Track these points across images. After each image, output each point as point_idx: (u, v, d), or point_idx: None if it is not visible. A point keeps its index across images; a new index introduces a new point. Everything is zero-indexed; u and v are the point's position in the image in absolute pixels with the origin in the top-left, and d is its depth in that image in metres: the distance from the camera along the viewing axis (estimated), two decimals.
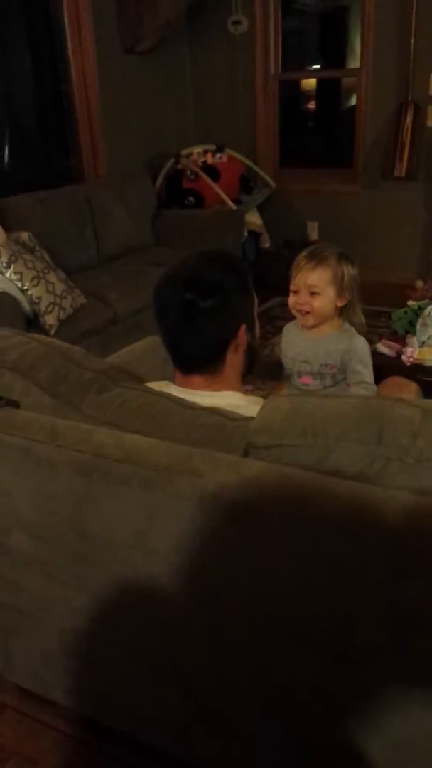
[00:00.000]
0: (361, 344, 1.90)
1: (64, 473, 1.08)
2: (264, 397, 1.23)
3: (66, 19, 3.97)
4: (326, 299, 1.83)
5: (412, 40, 4.05)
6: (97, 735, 1.50)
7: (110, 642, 1.26)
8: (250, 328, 1.34)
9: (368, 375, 1.88)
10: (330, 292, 1.83)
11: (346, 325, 1.92)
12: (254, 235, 4.61)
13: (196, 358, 1.30)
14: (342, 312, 1.91)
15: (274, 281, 4.28)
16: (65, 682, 1.41)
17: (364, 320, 1.95)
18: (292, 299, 1.88)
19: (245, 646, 1.07)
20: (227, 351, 1.30)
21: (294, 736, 1.15)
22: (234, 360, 1.32)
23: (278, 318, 3.97)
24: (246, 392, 1.37)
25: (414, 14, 3.99)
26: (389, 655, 0.94)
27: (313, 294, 1.82)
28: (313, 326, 1.89)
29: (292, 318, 1.98)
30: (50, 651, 1.37)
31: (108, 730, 1.45)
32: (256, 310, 1.38)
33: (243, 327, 1.31)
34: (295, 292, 1.86)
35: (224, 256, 1.39)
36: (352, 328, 1.92)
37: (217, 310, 1.25)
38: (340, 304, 1.87)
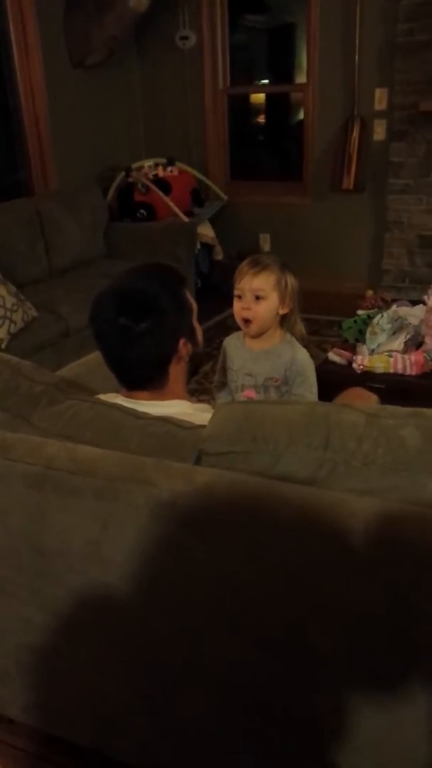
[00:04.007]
0: (303, 357, 1.90)
1: (15, 486, 1.07)
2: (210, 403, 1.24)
3: (12, 33, 3.94)
4: (270, 304, 1.83)
5: (357, 57, 4.15)
6: (58, 751, 1.48)
7: (68, 656, 1.25)
8: (190, 338, 1.34)
9: (310, 393, 1.88)
10: (274, 297, 1.83)
11: (288, 336, 1.92)
12: (207, 248, 4.64)
13: (140, 377, 1.31)
14: (283, 322, 1.91)
15: (228, 292, 4.31)
16: (23, 699, 1.39)
17: (304, 331, 1.96)
18: (236, 305, 1.88)
19: (204, 652, 1.07)
20: (170, 365, 1.31)
21: (256, 744, 1.15)
22: (177, 371, 1.33)
23: (232, 328, 3.96)
24: (192, 401, 1.38)
25: (357, 31, 4.10)
26: (343, 658, 0.96)
27: (257, 298, 1.83)
28: (256, 335, 1.89)
29: None
30: (6, 667, 1.34)
31: (70, 746, 1.43)
32: (194, 316, 1.38)
33: (182, 340, 1.31)
34: (239, 297, 1.86)
35: (154, 270, 1.37)
36: (294, 339, 1.92)
37: (153, 330, 1.25)
38: (282, 311, 1.87)
